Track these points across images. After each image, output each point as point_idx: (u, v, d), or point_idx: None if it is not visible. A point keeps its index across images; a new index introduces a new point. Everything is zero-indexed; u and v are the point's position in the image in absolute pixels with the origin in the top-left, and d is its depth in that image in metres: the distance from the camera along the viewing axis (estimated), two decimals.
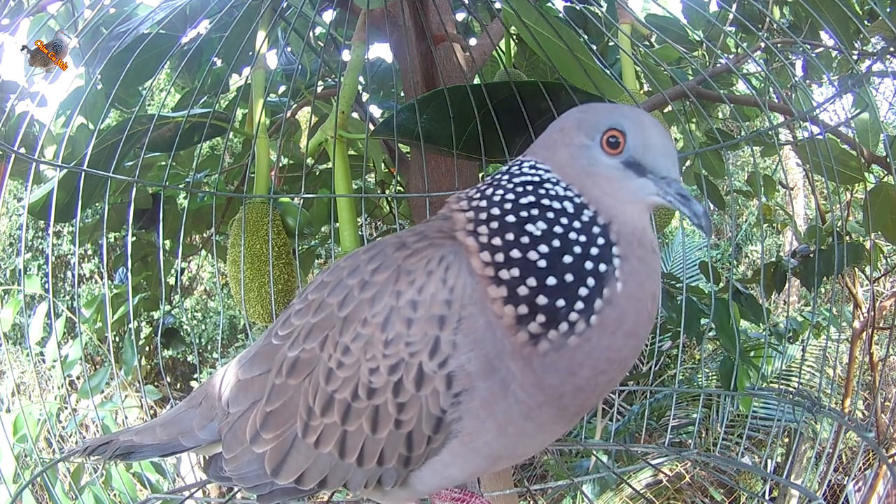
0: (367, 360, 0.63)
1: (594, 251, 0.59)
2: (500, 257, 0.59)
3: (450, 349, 0.59)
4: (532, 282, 0.58)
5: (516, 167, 0.66)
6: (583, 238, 0.59)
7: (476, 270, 0.60)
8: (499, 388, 0.59)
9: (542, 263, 0.58)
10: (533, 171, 0.64)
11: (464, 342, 0.59)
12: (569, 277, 0.58)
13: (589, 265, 0.58)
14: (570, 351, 0.58)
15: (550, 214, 0.60)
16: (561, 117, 0.69)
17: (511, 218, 0.60)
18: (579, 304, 0.57)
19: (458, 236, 0.63)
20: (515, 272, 0.58)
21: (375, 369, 0.62)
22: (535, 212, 0.60)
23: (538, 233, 0.59)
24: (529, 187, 0.62)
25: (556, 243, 0.59)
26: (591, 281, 0.58)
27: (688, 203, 0.61)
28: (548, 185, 0.63)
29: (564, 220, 0.60)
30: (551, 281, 0.57)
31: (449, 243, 0.63)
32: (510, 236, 0.59)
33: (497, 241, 0.60)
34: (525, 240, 0.59)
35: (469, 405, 0.60)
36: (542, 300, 0.57)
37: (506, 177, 0.65)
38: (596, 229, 0.60)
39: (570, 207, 0.61)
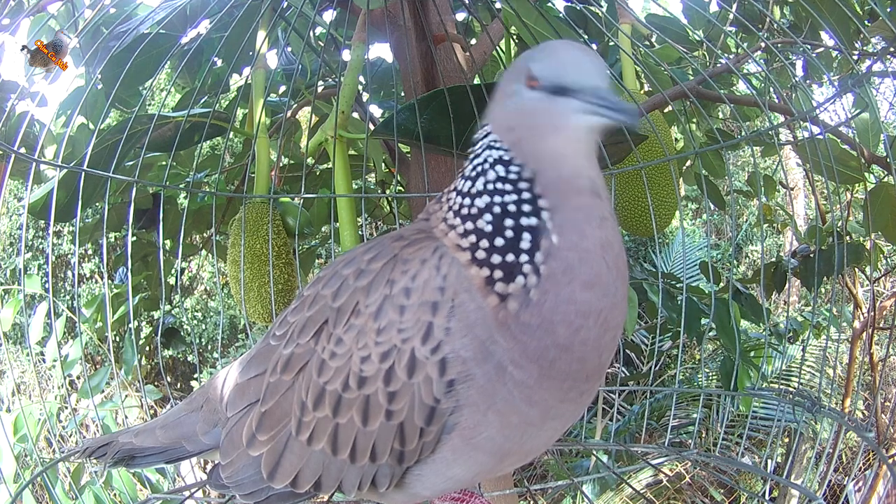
0: (359, 348, 0.63)
1: (526, 207, 0.61)
2: (460, 230, 0.63)
3: (442, 335, 0.60)
4: (485, 243, 0.61)
5: (480, 138, 0.68)
6: (514, 196, 0.62)
7: (450, 251, 0.62)
8: (496, 373, 0.59)
9: (489, 228, 0.62)
10: (482, 143, 0.67)
11: (457, 328, 0.60)
12: (509, 234, 0.61)
13: (523, 221, 0.61)
14: (536, 306, 0.59)
15: (490, 186, 0.63)
16: None
17: (467, 200, 0.64)
18: (524, 257, 0.60)
19: (433, 231, 0.65)
20: (473, 238, 0.62)
21: (367, 357, 0.63)
22: (480, 187, 0.64)
23: (483, 205, 0.63)
24: (479, 168, 0.65)
25: (497, 210, 0.62)
26: (526, 235, 0.60)
27: (607, 103, 0.58)
28: (486, 154, 0.65)
29: (500, 185, 0.63)
30: (499, 241, 0.61)
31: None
32: (465, 211, 0.64)
33: (457, 220, 0.64)
34: (474, 211, 0.63)
35: (468, 395, 0.60)
36: (496, 259, 0.60)
37: (468, 161, 0.68)
38: (522, 184, 0.62)
39: (501, 171, 0.63)
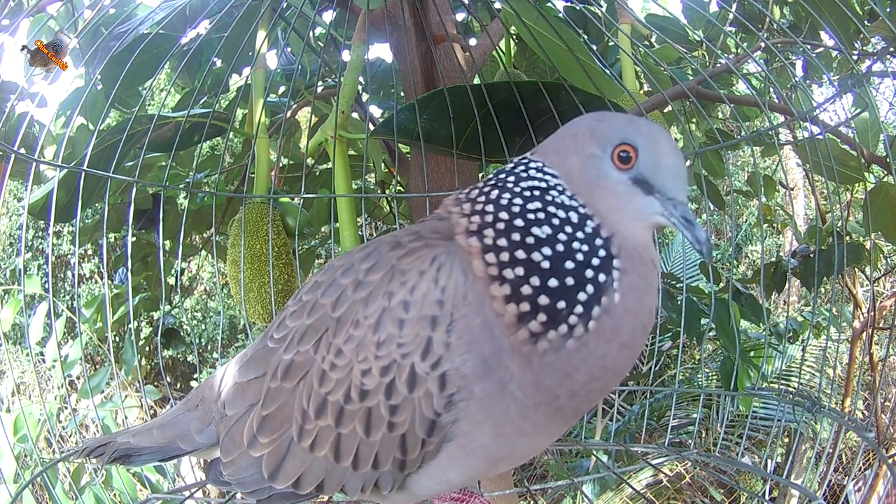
0: (360, 361, 0.63)
1: (595, 261, 0.60)
2: (504, 257, 0.59)
3: (442, 350, 0.59)
4: (535, 281, 0.58)
5: (522, 169, 0.66)
6: (585, 247, 0.60)
7: (476, 271, 0.60)
8: (496, 389, 0.59)
9: (546, 265, 0.59)
10: (540, 176, 0.64)
11: (458, 343, 0.59)
12: (570, 281, 0.59)
13: (589, 273, 0.59)
14: (567, 354, 0.59)
15: (556, 221, 0.61)
16: (574, 122, 0.68)
17: (519, 222, 0.61)
18: (579, 308, 0.58)
19: (457, 238, 0.63)
20: (520, 271, 0.59)
21: (367, 371, 0.62)
22: (541, 216, 0.61)
23: (543, 236, 0.60)
24: (536, 192, 0.63)
25: (560, 248, 0.60)
26: (590, 288, 0.59)
27: (691, 228, 0.61)
28: (554, 193, 0.63)
29: (568, 229, 0.61)
30: (553, 282, 0.59)
31: (444, 244, 0.63)
32: (516, 237, 0.60)
33: (503, 241, 0.60)
34: (530, 241, 0.60)
35: (466, 408, 0.60)
36: (543, 300, 0.58)
37: (511, 178, 0.65)
38: (598, 241, 0.61)
39: (574, 217, 0.61)
